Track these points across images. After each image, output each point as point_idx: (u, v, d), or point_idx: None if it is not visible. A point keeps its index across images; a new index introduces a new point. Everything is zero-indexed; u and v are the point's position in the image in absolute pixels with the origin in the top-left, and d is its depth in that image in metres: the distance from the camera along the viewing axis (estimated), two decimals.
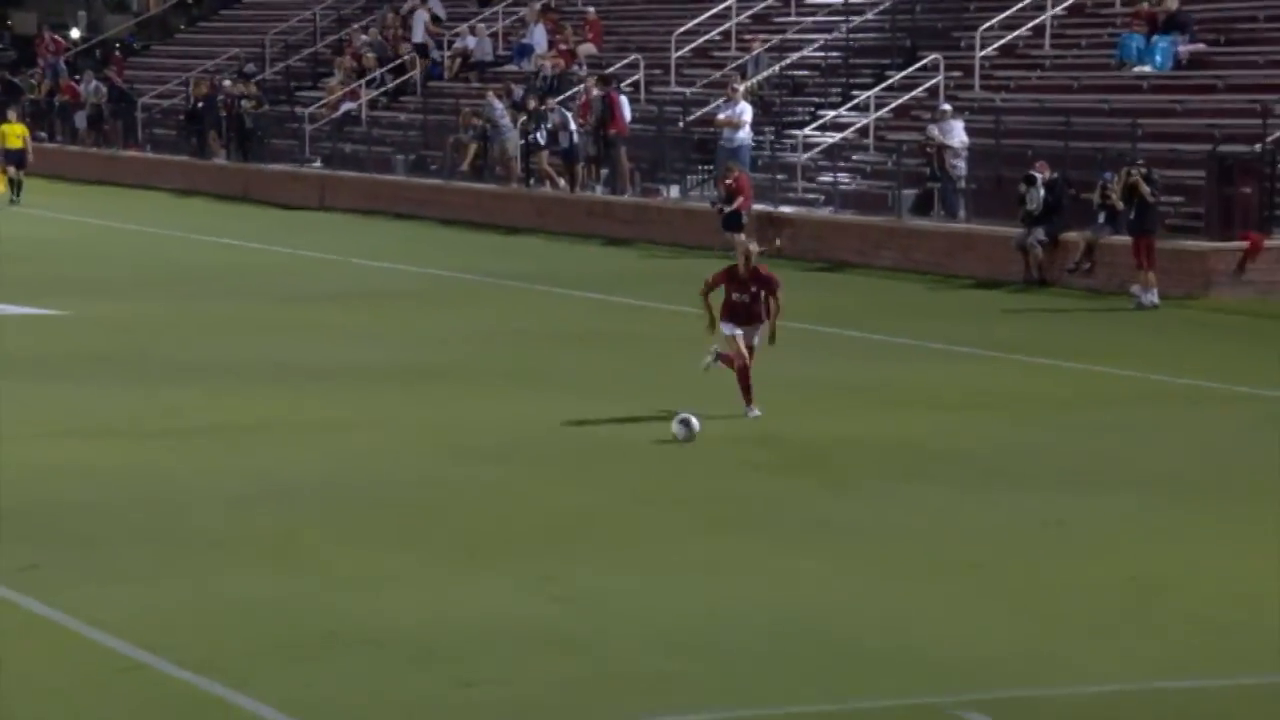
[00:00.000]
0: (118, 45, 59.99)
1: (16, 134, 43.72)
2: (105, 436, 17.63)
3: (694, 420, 17.21)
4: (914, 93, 34.90)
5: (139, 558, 13.67)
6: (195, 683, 10.96)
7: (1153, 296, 25.94)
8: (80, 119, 51.39)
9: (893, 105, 34.95)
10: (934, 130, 31.65)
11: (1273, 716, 10.60)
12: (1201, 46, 32.96)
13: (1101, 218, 27.63)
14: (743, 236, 20.64)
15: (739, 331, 18.01)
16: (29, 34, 69.20)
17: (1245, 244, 26.86)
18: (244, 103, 46.31)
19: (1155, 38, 33.11)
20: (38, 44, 59.94)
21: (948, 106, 32.32)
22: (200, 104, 47.18)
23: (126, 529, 14.41)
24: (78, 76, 53.58)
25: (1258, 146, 28.05)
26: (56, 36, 59.77)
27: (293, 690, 10.78)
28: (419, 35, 46.14)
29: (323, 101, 45.63)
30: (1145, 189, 26.39)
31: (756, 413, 18.03)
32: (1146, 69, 32.97)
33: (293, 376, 20.84)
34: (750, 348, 18.01)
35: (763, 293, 18.00)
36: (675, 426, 17.22)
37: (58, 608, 12.32)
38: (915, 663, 11.29)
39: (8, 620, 12.16)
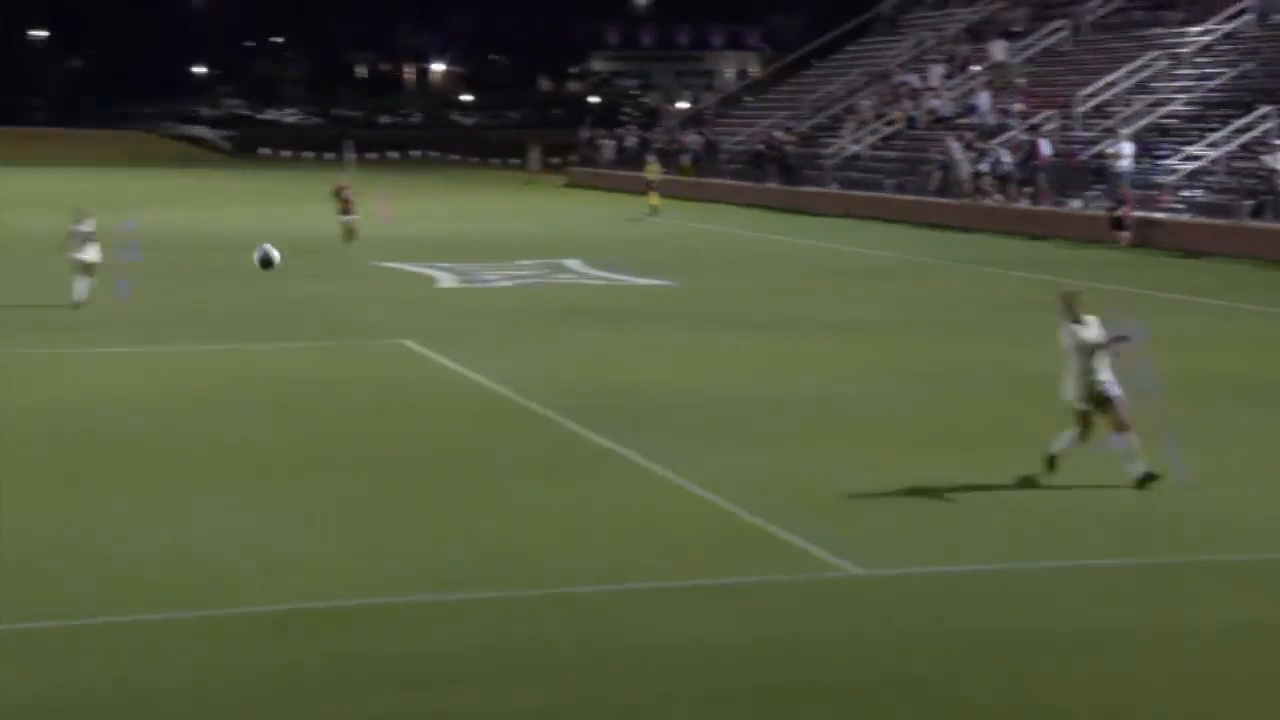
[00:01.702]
0: (707, 111, 61.74)
1: (653, 171, 43.82)
2: (703, 362, 17.23)
3: (272, 252, 14.15)
4: (1251, 134, 33.28)
5: (735, 437, 13.00)
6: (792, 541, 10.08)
7: None
8: (685, 158, 53.49)
9: (1237, 143, 33.41)
10: (1266, 159, 30.19)
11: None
12: None
13: None
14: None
15: None
16: (654, 107, 73.11)
17: None
18: (788, 147, 47.06)
19: None
20: (661, 113, 63.04)
21: (1278, 141, 30.76)
22: (761, 148, 48.26)
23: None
24: (684, 132, 56.05)
25: None
26: (668, 106, 62.33)
27: None
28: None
29: (836, 145, 46.04)
30: None
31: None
32: None
33: (803, 326, 20.31)
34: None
35: None
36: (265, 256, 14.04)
37: (678, 473, 11.73)
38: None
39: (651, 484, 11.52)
